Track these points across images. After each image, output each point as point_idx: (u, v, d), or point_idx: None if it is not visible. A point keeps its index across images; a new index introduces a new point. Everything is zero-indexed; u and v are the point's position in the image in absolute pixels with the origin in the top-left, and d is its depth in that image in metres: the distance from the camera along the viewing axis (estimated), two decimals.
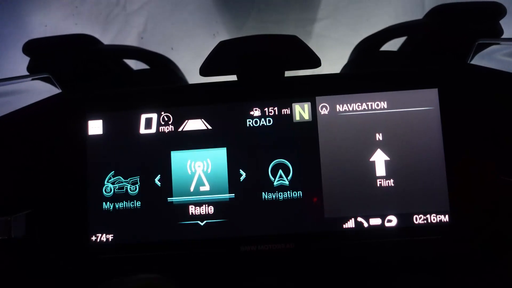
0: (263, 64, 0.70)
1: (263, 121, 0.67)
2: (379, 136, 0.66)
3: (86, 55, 0.81)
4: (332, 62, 1.03)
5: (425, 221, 0.65)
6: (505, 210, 0.63)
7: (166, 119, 0.67)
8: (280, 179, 0.66)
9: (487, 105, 0.65)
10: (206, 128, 0.67)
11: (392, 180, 0.65)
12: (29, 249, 0.66)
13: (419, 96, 0.66)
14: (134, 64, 0.97)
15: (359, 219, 0.65)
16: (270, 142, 0.66)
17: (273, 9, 1.61)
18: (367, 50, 0.92)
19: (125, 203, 0.66)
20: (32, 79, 0.75)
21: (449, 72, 0.66)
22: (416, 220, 0.65)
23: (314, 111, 0.67)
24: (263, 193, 0.66)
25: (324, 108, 0.66)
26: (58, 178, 0.67)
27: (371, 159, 0.66)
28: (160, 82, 0.92)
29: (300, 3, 1.61)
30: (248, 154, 0.66)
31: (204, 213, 0.66)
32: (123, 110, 0.68)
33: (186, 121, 0.67)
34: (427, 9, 0.80)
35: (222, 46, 0.69)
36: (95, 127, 0.68)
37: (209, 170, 0.66)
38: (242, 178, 0.66)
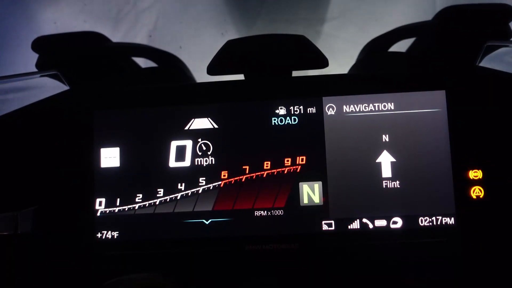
0: (271, 63, 0.70)
1: (273, 121, 0.67)
2: (385, 138, 0.65)
3: (95, 52, 0.81)
4: (341, 62, 1.03)
5: (430, 224, 0.64)
6: (511, 213, 0.63)
7: (173, 117, 0.67)
8: None
9: (495, 107, 0.65)
10: (212, 127, 0.67)
11: (398, 182, 0.65)
12: (35, 245, 0.67)
13: (426, 98, 0.65)
14: (143, 62, 0.98)
15: (364, 220, 0.65)
16: (276, 142, 0.66)
17: (283, 8, 1.61)
18: (375, 51, 0.92)
19: (131, 200, 0.67)
20: (41, 76, 0.76)
21: (457, 74, 0.66)
22: (422, 222, 0.64)
23: (320, 111, 0.66)
24: None
25: (330, 109, 0.66)
26: (65, 175, 0.67)
27: (377, 160, 0.65)
28: (167, 80, 0.92)
29: (310, 3, 1.61)
30: (251, 153, 0.66)
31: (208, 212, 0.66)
32: (131, 107, 0.68)
33: (193, 119, 0.67)
34: (439, 9, 0.80)
35: (229, 45, 0.70)
36: (102, 124, 0.68)
37: None
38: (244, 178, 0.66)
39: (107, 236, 0.67)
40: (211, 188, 0.66)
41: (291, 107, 0.67)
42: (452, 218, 0.64)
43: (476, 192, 0.63)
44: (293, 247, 0.65)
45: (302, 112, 0.67)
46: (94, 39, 0.84)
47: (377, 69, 0.87)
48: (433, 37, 0.81)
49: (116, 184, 0.67)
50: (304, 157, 0.66)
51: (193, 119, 0.67)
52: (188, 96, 0.68)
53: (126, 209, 0.67)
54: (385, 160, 0.65)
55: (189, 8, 1.64)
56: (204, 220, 0.66)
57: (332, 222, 0.65)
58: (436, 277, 0.65)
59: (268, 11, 1.60)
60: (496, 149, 0.64)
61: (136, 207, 0.67)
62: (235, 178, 0.66)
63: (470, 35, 0.73)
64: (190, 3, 1.64)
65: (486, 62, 0.72)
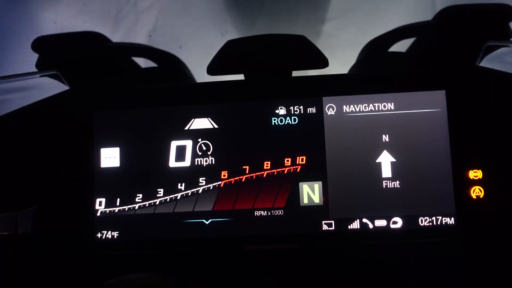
0: (271, 63, 0.70)
1: (273, 121, 0.67)
2: (385, 138, 0.65)
3: (95, 52, 0.81)
4: (341, 62, 1.03)
5: (430, 224, 0.64)
6: (511, 213, 0.63)
7: (173, 117, 0.67)
8: None
9: (495, 107, 0.65)
10: (212, 127, 0.67)
11: (398, 182, 0.65)
12: (35, 245, 0.67)
13: (426, 98, 0.65)
14: (143, 62, 0.98)
15: (364, 220, 0.65)
16: (276, 143, 0.66)
17: (283, 8, 1.61)
18: (375, 51, 0.92)
19: (131, 200, 0.67)
20: (41, 76, 0.76)
21: (457, 74, 0.66)
22: (422, 222, 0.64)
23: (320, 111, 0.66)
24: None
25: (330, 109, 0.66)
26: (65, 175, 0.67)
27: (377, 160, 0.65)
28: (168, 80, 0.92)
29: (310, 3, 1.61)
30: (251, 153, 0.66)
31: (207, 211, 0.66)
32: (131, 107, 0.68)
33: (193, 119, 0.67)
34: (438, 9, 0.80)
35: (229, 45, 0.70)
36: (102, 124, 0.68)
37: None
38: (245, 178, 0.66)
39: (107, 236, 0.66)
40: (211, 188, 0.66)
41: (291, 107, 0.67)
42: (452, 218, 0.64)
43: (476, 192, 0.63)
44: (293, 247, 0.65)
45: (302, 112, 0.67)
46: (94, 39, 0.84)
47: (377, 69, 0.87)
48: (433, 37, 0.81)
49: (116, 184, 0.67)
50: (304, 157, 0.66)
51: (193, 119, 0.67)
52: (188, 96, 0.68)
53: (126, 209, 0.67)
54: (385, 160, 0.65)
55: (189, 8, 1.64)
56: (204, 220, 0.66)
57: (332, 222, 0.65)
58: (436, 277, 0.65)
59: (268, 11, 1.60)
60: (496, 149, 0.64)
61: (136, 207, 0.67)
62: (235, 178, 0.66)
63: (470, 35, 0.73)
64: (190, 3, 1.64)
65: (486, 62, 0.72)
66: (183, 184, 0.66)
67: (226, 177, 0.66)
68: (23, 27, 1.60)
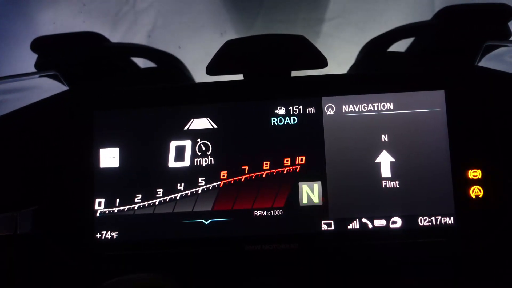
0: (270, 63, 0.70)
1: (273, 121, 0.67)
2: (385, 137, 0.65)
3: (94, 52, 0.81)
4: (340, 62, 1.03)
5: (430, 223, 0.64)
6: (510, 213, 0.63)
7: (172, 117, 0.67)
8: None
9: (494, 107, 0.65)
10: (211, 127, 0.67)
11: (397, 182, 0.65)
12: (35, 245, 0.67)
13: (425, 97, 0.65)
14: (142, 63, 0.98)
15: (364, 220, 0.65)
16: (276, 143, 0.66)
17: (282, 8, 1.61)
18: (374, 51, 0.92)
19: (131, 201, 0.67)
20: (40, 76, 0.76)
21: (456, 74, 0.66)
22: (421, 222, 0.64)
23: (319, 111, 0.66)
24: None
25: (330, 109, 0.66)
26: (65, 175, 0.67)
27: (377, 160, 0.65)
28: (167, 80, 0.92)
29: (309, 3, 1.61)
30: (251, 153, 0.66)
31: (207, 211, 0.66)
32: (130, 107, 0.68)
33: (192, 119, 0.67)
34: (437, 9, 0.80)
35: (229, 45, 0.70)
36: (102, 124, 0.68)
37: None
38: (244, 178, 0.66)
39: (107, 236, 0.66)
40: (210, 188, 0.66)
41: (291, 107, 0.67)
42: (452, 218, 0.64)
43: (476, 192, 0.64)
44: (292, 247, 0.65)
45: (301, 112, 0.67)
46: (93, 39, 0.84)
47: (376, 69, 0.87)
48: (432, 37, 0.81)
49: (115, 184, 0.67)
50: (304, 157, 0.66)
51: (192, 119, 0.67)
52: (188, 96, 0.68)
53: (126, 209, 0.67)
54: (385, 160, 0.65)
55: (188, 8, 1.63)
56: (203, 220, 0.66)
57: (332, 222, 0.65)
58: (436, 277, 0.65)
59: (267, 11, 1.60)
60: (496, 149, 0.64)
61: (136, 207, 0.67)
62: (235, 178, 0.66)
63: (469, 35, 0.73)
64: (189, 3, 1.64)
65: (486, 62, 0.72)
66: (183, 184, 0.66)
67: (225, 177, 0.66)
68: (22, 27, 1.59)
